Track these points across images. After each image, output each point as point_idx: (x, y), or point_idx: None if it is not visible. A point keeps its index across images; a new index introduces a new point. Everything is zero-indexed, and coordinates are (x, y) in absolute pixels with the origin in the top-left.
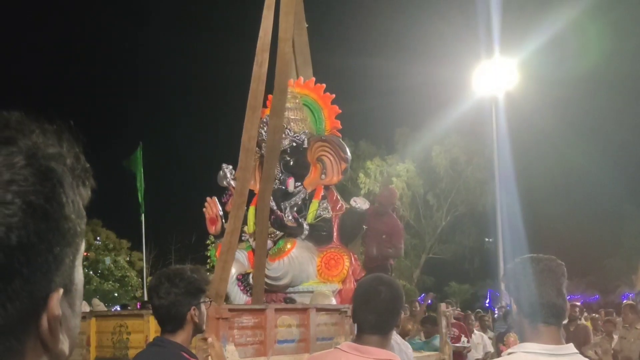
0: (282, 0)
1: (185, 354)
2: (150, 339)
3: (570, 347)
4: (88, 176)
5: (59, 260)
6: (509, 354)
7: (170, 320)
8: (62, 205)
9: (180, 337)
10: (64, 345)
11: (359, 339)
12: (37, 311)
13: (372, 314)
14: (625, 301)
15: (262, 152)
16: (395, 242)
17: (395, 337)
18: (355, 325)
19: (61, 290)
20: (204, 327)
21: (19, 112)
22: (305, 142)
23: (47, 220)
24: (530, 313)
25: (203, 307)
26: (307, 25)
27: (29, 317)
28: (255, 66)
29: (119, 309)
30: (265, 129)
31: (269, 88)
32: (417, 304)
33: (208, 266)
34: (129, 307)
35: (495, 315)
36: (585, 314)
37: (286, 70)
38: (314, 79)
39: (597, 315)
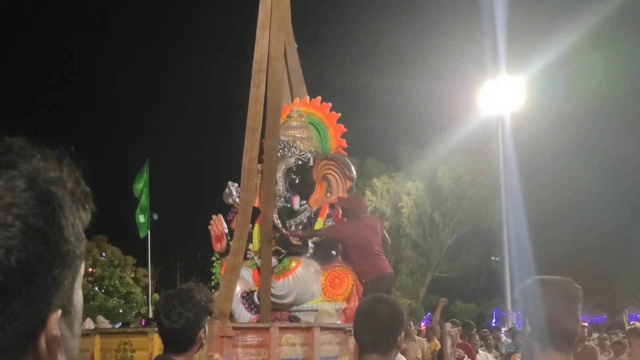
0: (273, 19)
1: None
2: (154, 357)
3: None
4: (88, 200)
5: (58, 282)
6: None
7: (180, 343)
8: (62, 228)
9: (185, 357)
10: None
11: (360, 358)
12: (36, 332)
13: (370, 332)
14: (630, 326)
15: None
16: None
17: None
18: (357, 345)
19: (60, 312)
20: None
21: (20, 137)
22: (311, 160)
23: (47, 243)
24: (542, 337)
25: (206, 326)
26: (296, 46)
27: (27, 338)
28: (252, 87)
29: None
30: None
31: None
32: (411, 323)
33: (213, 283)
34: (131, 325)
35: (502, 335)
36: (595, 334)
37: (279, 89)
38: (319, 97)
39: (605, 335)
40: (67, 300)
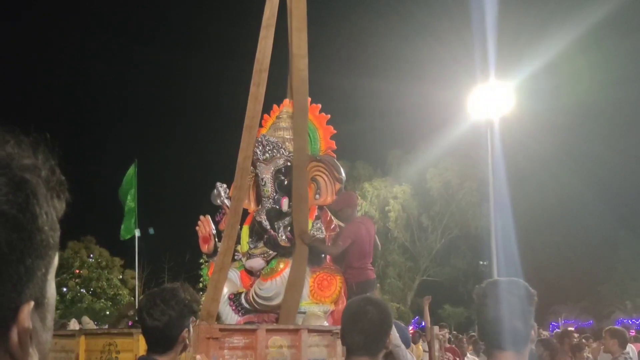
0: (294, 17)
1: None
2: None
3: None
4: (63, 189)
5: (30, 272)
6: None
7: (163, 342)
8: (36, 217)
9: (168, 357)
10: (34, 359)
11: None
12: (7, 323)
13: (359, 334)
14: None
15: (257, 171)
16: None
17: (407, 353)
18: (345, 347)
19: (32, 303)
20: (190, 346)
21: None
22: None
23: (20, 231)
24: (486, 338)
25: (191, 327)
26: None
27: None
28: (252, 87)
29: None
30: (260, 148)
31: (265, 108)
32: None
33: (200, 285)
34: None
35: None
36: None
37: (304, 88)
38: (309, 99)
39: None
40: (39, 291)
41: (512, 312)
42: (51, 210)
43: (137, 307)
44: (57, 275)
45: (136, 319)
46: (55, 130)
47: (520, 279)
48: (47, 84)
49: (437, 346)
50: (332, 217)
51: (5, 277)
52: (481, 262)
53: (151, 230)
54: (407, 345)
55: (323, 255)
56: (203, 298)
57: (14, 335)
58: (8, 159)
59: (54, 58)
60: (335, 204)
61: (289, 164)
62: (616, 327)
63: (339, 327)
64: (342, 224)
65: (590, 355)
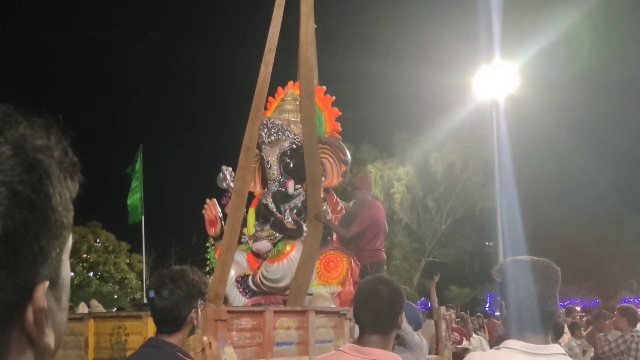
0: (302, 3)
1: (180, 354)
2: None
3: (555, 347)
4: (76, 170)
5: (45, 252)
6: (496, 349)
7: (171, 322)
8: (49, 197)
9: (176, 338)
10: (49, 338)
11: (360, 339)
12: (23, 303)
13: (371, 313)
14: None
15: (262, 154)
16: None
17: (414, 335)
18: (357, 326)
19: (47, 283)
20: (198, 328)
21: (6, 105)
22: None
23: (34, 211)
24: (517, 320)
25: (199, 309)
26: (315, 26)
27: (14, 308)
28: (262, 66)
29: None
30: (265, 131)
31: (270, 90)
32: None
33: (207, 268)
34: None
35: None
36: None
37: (311, 75)
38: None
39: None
40: (54, 271)
41: (548, 296)
42: (64, 191)
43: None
44: None
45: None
46: (62, 115)
47: (546, 259)
48: (54, 69)
49: (444, 326)
50: (338, 199)
51: (20, 257)
52: (487, 243)
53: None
54: (419, 326)
55: (329, 237)
56: (210, 280)
57: (30, 315)
58: (21, 139)
59: (62, 44)
60: (361, 183)
61: (294, 146)
62: (626, 304)
63: (346, 308)
64: (349, 205)
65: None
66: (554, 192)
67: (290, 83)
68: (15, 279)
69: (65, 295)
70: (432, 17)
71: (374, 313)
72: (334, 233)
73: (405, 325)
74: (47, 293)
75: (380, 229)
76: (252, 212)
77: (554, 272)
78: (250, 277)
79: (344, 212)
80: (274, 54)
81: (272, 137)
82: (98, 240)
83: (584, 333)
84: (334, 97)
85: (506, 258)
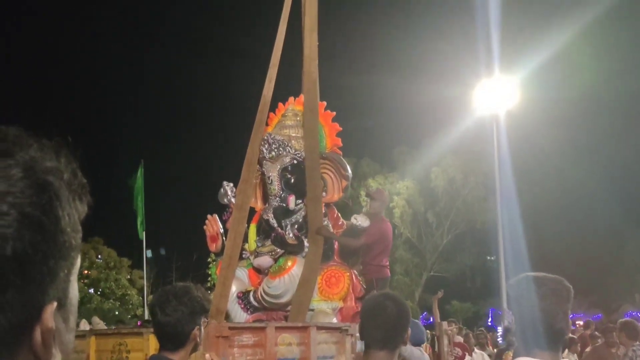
0: (307, 16)
1: None
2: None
3: None
4: (85, 191)
5: (53, 273)
6: None
7: (174, 338)
8: (58, 218)
9: (179, 355)
10: (57, 359)
11: (366, 355)
12: (31, 323)
13: (378, 329)
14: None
15: (263, 169)
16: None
17: (413, 350)
18: (363, 342)
19: (55, 304)
20: (201, 345)
21: (17, 127)
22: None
23: (43, 232)
24: (529, 335)
25: (202, 326)
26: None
27: (22, 329)
28: (266, 81)
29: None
30: (266, 146)
31: (270, 106)
32: None
33: (209, 284)
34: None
35: (499, 334)
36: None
37: (314, 89)
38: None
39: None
40: (62, 292)
41: (561, 313)
42: (73, 212)
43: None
44: None
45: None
46: (62, 132)
47: (559, 277)
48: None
49: (445, 341)
50: (339, 215)
51: (29, 277)
52: (488, 257)
53: (162, 251)
54: (422, 342)
55: (330, 252)
56: (212, 296)
57: (38, 335)
58: (31, 162)
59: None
60: (377, 195)
61: (295, 161)
62: (627, 319)
63: (347, 324)
64: (354, 218)
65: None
66: (556, 206)
67: (291, 99)
68: (24, 300)
69: (73, 316)
70: (432, 30)
71: (382, 329)
72: (335, 247)
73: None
74: (55, 314)
75: (387, 245)
76: (253, 228)
77: (565, 289)
78: (251, 293)
79: (345, 227)
80: (276, 69)
81: (273, 153)
82: (99, 256)
83: (583, 349)
84: (334, 113)
85: (520, 274)
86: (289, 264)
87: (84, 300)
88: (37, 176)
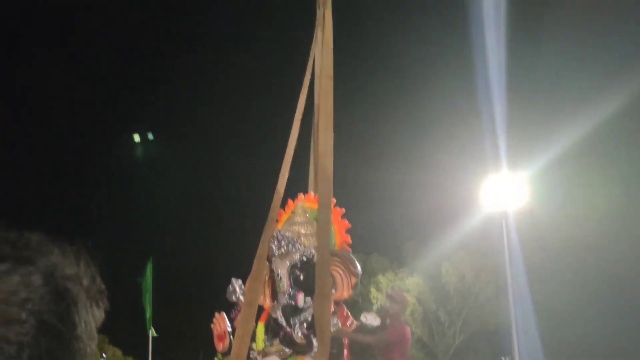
0: (321, 115)
1: None
2: None
3: None
4: (102, 297)
5: None
6: None
7: None
8: (75, 326)
9: None
10: None
11: None
12: None
13: None
14: None
15: (272, 267)
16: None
17: None
18: None
19: None
20: None
21: (39, 232)
22: (315, 256)
23: (59, 340)
24: None
25: None
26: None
27: None
28: (280, 176)
29: None
30: (275, 243)
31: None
32: None
33: None
34: None
35: None
36: None
37: (329, 186)
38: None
39: None
40: None
41: None
42: (90, 319)
43: None
44: None
45: None
46: (74, 232)
47: None
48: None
49: None
50: (349, 313)
51: None
52: (503, 358)
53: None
54: None
55: (338, 351)
56: None
57: None
58: (52, 268)
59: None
60: (398, 297)
61: (304, 258)
62: None
63: None
64: (359, 321)
65: None
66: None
67: (301, 195)
68: None
69: None
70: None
71: None
72: (345, 347)
73: None
74: None
75: (406, 349)
76: (261, 327)
77: None
78: None
79: (354, 326)
80: (289, 166)
81: (283, 249)
82: (104, 355)
83: None
84: (344, 210)
85: None
86: None
87: None
88: (57, 283)
